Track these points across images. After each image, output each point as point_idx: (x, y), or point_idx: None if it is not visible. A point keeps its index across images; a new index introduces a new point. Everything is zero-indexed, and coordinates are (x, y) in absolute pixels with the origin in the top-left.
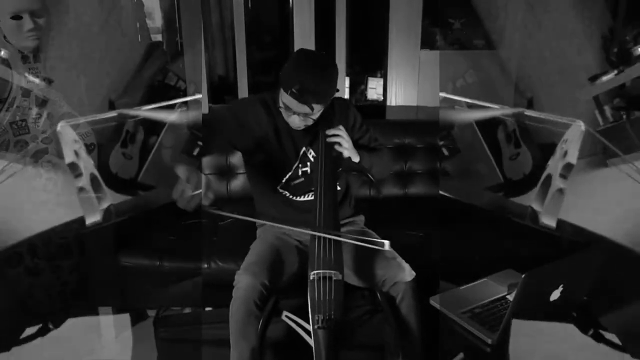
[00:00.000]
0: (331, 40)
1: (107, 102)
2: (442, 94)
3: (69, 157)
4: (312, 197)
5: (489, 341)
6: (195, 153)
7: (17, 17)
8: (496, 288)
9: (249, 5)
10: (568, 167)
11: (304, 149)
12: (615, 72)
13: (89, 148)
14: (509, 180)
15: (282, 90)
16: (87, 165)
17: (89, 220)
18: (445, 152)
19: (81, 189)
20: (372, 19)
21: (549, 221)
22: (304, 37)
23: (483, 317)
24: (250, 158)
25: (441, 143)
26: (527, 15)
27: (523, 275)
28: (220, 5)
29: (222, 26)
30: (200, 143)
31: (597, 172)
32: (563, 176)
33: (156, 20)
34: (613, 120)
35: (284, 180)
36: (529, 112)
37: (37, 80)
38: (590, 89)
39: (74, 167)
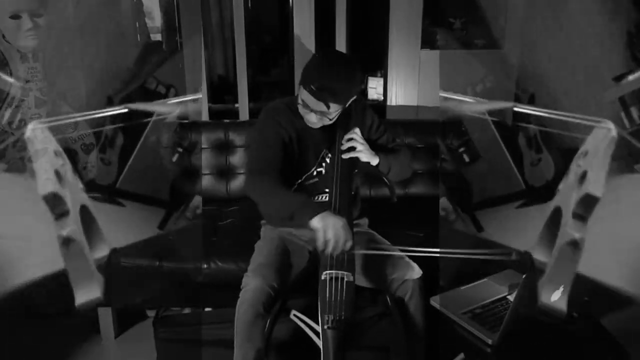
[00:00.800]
0: (331, 39)
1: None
2: (443, 94)
3: (46, 185)
4: (326, 199)
5: (490, 341)
6: (174, 159)
7: (16, 16)
8: (497, 288)
9: (249, 5)
10: (588, 201)
11: (323, 151)
12: None
13: (88, 148)
14: (530, 187)
15: (301, 87)
16: (76, 193)
17: (81, 298)
18: (466, 158)
19: (67, 241)
20: (372, 19)
21: (552, 300)
22: (304, 36)
23: (483, 317)
24: None
25: (461, 150)
26: (543, 11)
27: (524, 276)
28: (220, 4)
29: (221, 26)
30: (180, 150)
31: (622, 180)
32: (579, 217)
33: (155, 19)
34: None
35: (297, 182)
36: (522, 108)
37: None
38: (616, 89)
39: (54, 201)
